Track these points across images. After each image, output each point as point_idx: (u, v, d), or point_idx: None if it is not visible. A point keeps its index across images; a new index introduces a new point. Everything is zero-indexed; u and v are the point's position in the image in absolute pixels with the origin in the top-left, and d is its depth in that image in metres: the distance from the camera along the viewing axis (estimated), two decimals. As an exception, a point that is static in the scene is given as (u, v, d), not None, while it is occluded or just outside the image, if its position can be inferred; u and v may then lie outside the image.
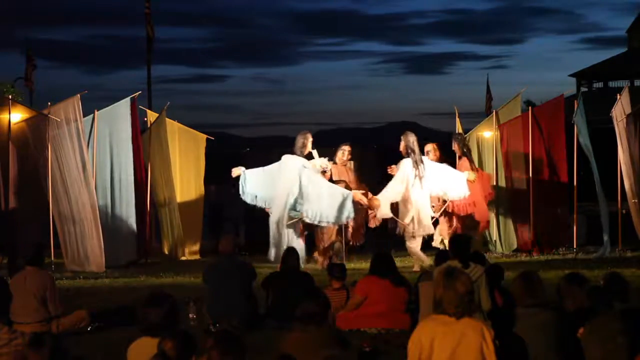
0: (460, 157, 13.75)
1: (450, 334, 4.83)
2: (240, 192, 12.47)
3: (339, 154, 13.64)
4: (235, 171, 12.61)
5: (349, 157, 13.69)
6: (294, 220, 12.31)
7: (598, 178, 13.74)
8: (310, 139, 12.70)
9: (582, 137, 13.97)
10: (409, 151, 12.61)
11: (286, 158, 12.46)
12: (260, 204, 12.58)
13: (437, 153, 13.29)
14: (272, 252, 12.21)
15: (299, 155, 12.43)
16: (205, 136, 15.67)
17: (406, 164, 12.59)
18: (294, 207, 12.26)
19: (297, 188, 12.19)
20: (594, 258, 13.44)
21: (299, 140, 12.53)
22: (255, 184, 12.41)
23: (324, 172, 13.01)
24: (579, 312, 5.71)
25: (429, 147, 13.32)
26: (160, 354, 4.60)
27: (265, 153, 14.33)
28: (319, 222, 12.26)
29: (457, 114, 14.96)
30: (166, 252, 14.65)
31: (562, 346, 5.60)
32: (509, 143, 14.67)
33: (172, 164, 14.74)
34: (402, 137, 12.76)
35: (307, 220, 12.35)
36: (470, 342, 4.81)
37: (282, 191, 12.25)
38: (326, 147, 14.25)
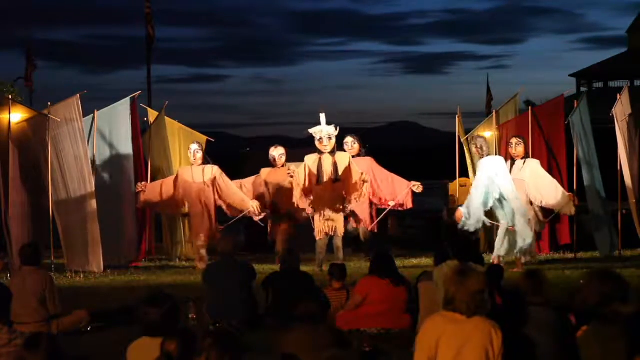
0: (358, 155, 13.69)
1: (459, 333, 4.80)
2: (474, 227, 12.22)
3: (188, 153, 13.68)
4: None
5: (199, 157, 13.47)
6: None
7: (600, 178, 13.74)
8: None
9: (581, 138, 13.95)
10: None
11: (490, 159, 12.38)
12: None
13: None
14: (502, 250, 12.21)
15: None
16: (205, 137, 15.59)
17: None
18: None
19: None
20: (602, 256, 13.46)
21: (481, 141, 12.60)
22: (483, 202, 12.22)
23: (329, 138, 12.84)
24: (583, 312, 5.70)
25: (348, 139, 13.73)
26: (163, 355, 4.60)
27: (265, 153, 14.22)
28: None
29: (459, 114, 14.93)
30: (166, 252, 14.65)
31: (563, 346, 5.58)
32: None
33: (172, 163, 14.73)
34: (519, 140, 12.91)
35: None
36: (477, 341, 4.78)
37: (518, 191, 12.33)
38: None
